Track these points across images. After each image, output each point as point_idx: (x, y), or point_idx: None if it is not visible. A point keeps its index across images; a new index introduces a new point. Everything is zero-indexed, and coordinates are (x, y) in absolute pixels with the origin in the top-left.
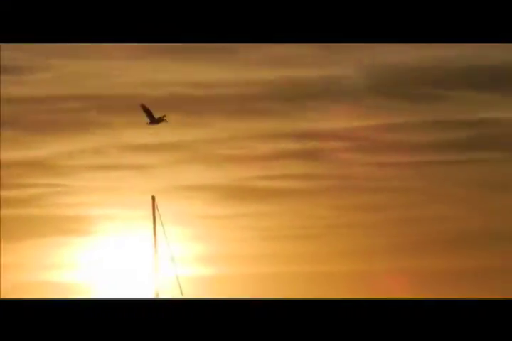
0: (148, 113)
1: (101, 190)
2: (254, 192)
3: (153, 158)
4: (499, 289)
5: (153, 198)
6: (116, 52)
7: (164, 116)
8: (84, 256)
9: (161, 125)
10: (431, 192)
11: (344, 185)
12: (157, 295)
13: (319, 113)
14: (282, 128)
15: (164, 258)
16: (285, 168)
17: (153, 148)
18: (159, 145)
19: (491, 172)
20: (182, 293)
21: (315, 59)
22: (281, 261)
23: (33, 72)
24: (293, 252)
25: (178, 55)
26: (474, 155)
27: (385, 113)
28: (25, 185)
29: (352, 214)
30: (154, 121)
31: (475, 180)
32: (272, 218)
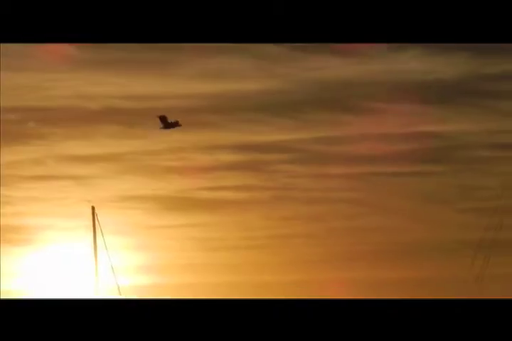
0: (162, 118)
1: (41, 200)
2: (195, 202)
3: (92, 168)
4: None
5: (93, 208)
6: (51, 65)
7: (178, 121)
8: (23, 265)
9: (101, 136)
10: (371, 204)
11: (283, 196)
12: None
13: (257, 125)
14: (220, 140)
15: (104, 267)
16: (224, 179)
17: (92, 159)
18: (99, 157)
19: (432, 185)
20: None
21: (253, 72)
22: (222, 271)
23: None
24: (233, 262)
25: (113, 67)
26: (416, 167)
27: (324, 126)
28: None
29: (292, 225)
30: (168, 125)
31: (417, 192)
32: (213, 229)
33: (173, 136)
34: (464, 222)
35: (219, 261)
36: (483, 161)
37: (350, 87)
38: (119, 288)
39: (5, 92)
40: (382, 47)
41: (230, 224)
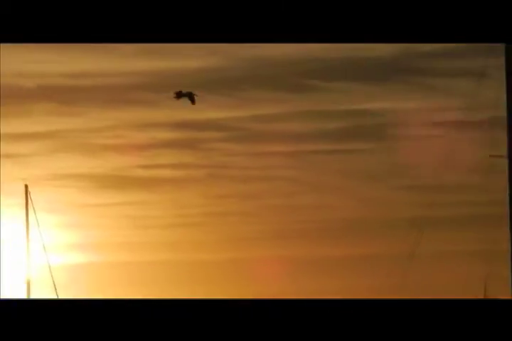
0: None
1: None
2: (131, 181)
3: (28, 146)
4: (381, 275)
5: (26, 186)
6: None
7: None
8: None
9: (37, 114)
10: (308, 181)
11: (220, 174)
12: (28, 283)
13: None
14: (157, 117)
15: (37, 245)
16: (161, 157)
17: (28, 137)
18: (34, 134)
19: (367, 162)
20: (54, 281)
21: (192, 50)
22: (158, 249)
23: None
24: (170, 240)
25: (47, 45)
26: (352, 145)
27: (261, 103)
28: None
29: (229, 203)
30: (181, 94)
31: (352, 169)
32: (149, 207)
33: (109, 114)
34: (399, 199)
35: (155, 239)
36: (416, 139)
37: (288, 64)
38: (49, 266)
39: None
40: None
41: (166, 202)
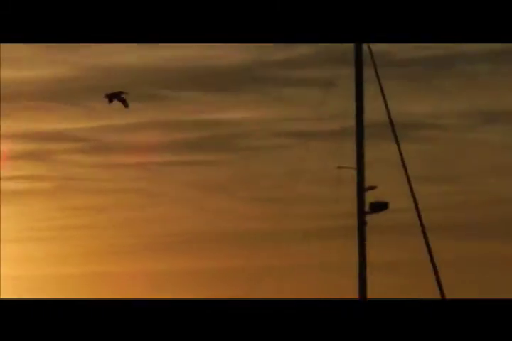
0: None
1: None
2: None
3: None
4: (231, 289)
5: None
6: None
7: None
8: None
9: None
10: (158, 193)
11: (68, 186)
12: None
13: (41, 113)
14: (3, 128)
15: None
16: (10, 169)
17: None
18: None
19: (217, 173)
20: None
21: (41, 60)
22: (4, 264)
23: None
24: (24, 255)
25: None
26: (201, 156)
27: (109, 113)
28: None
29: (77, 216)
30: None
31: (202, 180)
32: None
33: None
34: (249, 210)
35: (7, 253)
36: (266, 150)
37: (138, 74)
38: None
39: None
40: None
41: (13, 216)
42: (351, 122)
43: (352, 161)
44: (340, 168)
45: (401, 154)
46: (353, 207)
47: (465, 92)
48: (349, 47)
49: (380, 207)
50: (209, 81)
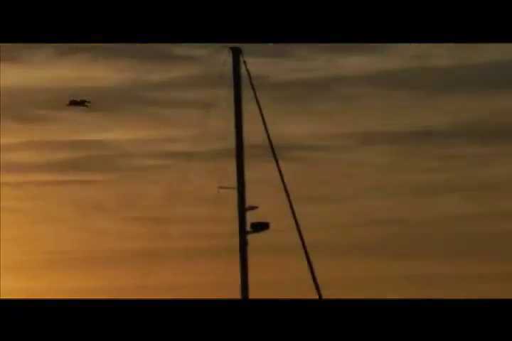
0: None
1: None
2: None
3: None
4: None
5: None
6: None
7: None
8: None
9: None
10: (37, 213)
11: None
12: None
13: None
14: None
15: None
16: None
17: None
18: None
19: (97, 193)
20: None
21: None
22: None
23: None
24: None
25: None
26: (81, 175)
27: None
28: None
29: None
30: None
31: (82, 200)
32: None
33: None
34: (129, 230)
35: None
36: (145, 170)
37: (15, 94)
38: None
39: None
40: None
41: None
42: (231, 143)
43: (232, 181)
44: (220, 188)
45: (281, 175)
46: (234, 226)
47: (342, 114)
48: (228, 68)
49: (261, 226)
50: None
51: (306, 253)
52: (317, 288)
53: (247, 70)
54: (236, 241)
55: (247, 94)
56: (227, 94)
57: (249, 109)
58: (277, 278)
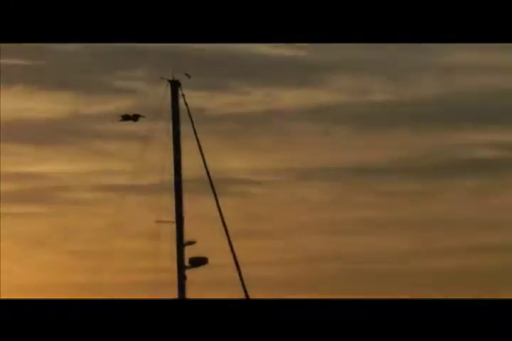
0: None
1: None
2: None
3: None
4: None
5: None
6: None
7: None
8: None
9: None
10: None
11: None
12: None
13: None
14: None
15: None
16: None
17: None
18: None
19: (35, 226)
20: None
21: None
22: None
23: None
24: None
25: None
26: (19, 208)
27: None
28: None
29: None
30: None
31: (19, 233)
32: None
33: None
34: (66, 264)
35: None
36: (86, 203)
37: None
38: None
39: None
40: None
41: None
42: (169, 176)
43: (171, 215)
44: (158, 222)
45: (219, 209)
46: (172, 261)
47: (281, 149)
48: (166, 101)
49: (199, 261)
50: (26, 133)
51: (244, 288)
52: None
53: (186, 103)
54: (174, 276)
55: (185, 127)
56: (166, 126)
57: (187, 141)
58: None
